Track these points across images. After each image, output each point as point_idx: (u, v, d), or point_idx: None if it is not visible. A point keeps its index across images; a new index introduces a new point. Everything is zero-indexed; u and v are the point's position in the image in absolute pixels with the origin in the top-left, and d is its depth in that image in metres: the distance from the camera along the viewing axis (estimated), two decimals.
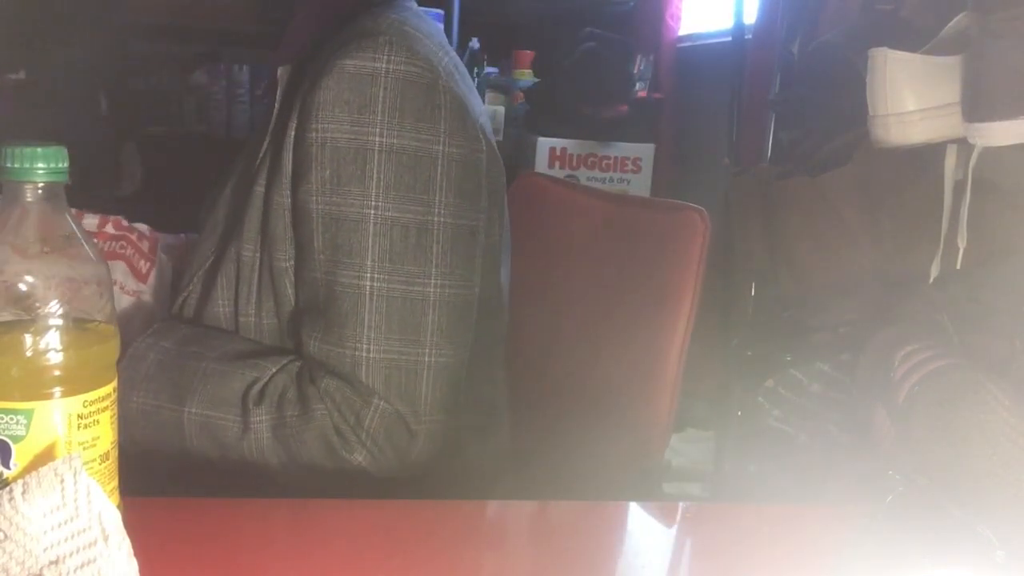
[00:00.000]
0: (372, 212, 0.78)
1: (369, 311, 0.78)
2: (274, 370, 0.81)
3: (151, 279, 0.97)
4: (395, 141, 0.78)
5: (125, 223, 0.98)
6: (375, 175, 0.78)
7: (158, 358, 0.82)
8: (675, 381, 0.97)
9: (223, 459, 0.79)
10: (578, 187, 1.29)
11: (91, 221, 0.97)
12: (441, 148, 0.80)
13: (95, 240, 0.95)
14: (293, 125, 0.81)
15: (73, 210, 0.94)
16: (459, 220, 0.81)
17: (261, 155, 0.86)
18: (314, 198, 0.79)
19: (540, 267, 1.21)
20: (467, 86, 0.88)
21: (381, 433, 0.77)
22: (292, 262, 0.83)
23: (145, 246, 0.98)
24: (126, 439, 0.78)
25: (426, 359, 0.79)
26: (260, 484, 0.79)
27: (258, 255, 0.85)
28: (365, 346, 0.78)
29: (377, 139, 0.78)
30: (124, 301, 0.94)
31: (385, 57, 0.78)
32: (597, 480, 0.99)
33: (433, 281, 0.79)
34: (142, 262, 0.97)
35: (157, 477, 0.79)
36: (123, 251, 0.96)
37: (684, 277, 0.97)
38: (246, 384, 0.80)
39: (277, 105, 0.87)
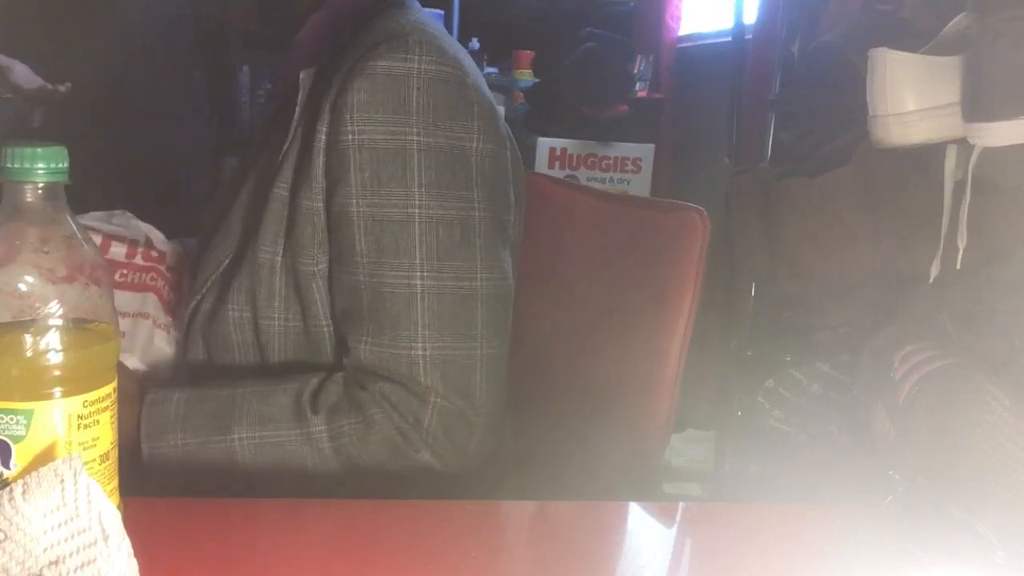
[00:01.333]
0: (416, 211, 0.78)
1: (421, 310, 0.78)
2: (315, 381, 0.80)
3: (179, 311, 0.95)
4: (432, 140, 0.79)
5: (155, 253, 0.97)
6: (416, 174, 0.78)
7: (183, 397, 0.81)
8: (675, 381, 0.97)
9: (280, 477, 0.79)
10: (579, 187, 1.29)
11: (119, 250, 0.95)
12: (475, 145, 0.81)
13: (123, 271, 0.94)
14: (322, 129, 0.81)
15: (98, 239, 0.93)
16: (495, 215, 0.83)
17: (281, 158, 0.85)
18: (354, 201, 0.79)
19: (540, 266, 1.21)
20: (486, 85, 0.89)
21: (441, 430, 0.78)
22: (321, 267, 0.83)
23: (174, 275, 0.97)
24: (167, 486, 0.78)
25: (479, 352, 0.80)
26: (319, 493, 0.79)
27: (279, 258, 0.84)
28: (420, 344, 0.78)
29: (415, 138, 0.78)
30: (158, 337, 0.93)
31: (416, 57, 0.79)
32: (597, 480, 0.99)
33: (479, 275, 0.81)
34: (172, 294, 0.96)
35: (150, 482, 0.78)
36: (153, 283, 0.95)
37: (684, 277, 0.97)
38: (292, 396, 0.79)
39: (299, 109, 0.87)
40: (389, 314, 0.79)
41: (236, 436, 0.78)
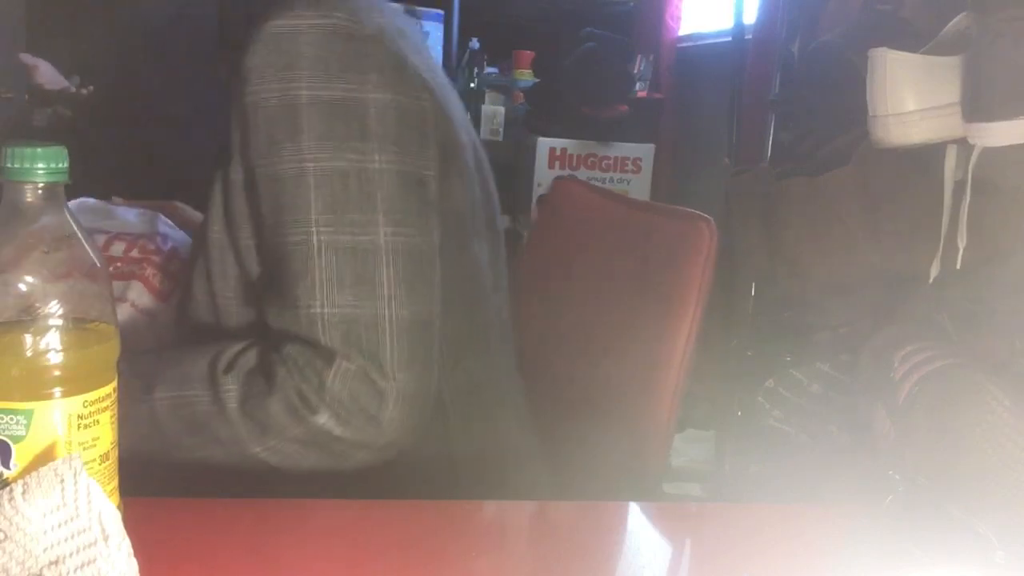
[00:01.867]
0: (309, 165, 0.77)
1: (319, 266, 0.76)
2: (239, 347, 0.79)
3: (173, 299, 0.96)
4: (322, 93, 0.77)
5: (152, 246, 0.98)
6: (306, 128, 0.77)
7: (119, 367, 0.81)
8: (676, 388, 0.96)
9: (200, 445, 0.77)
10: (603, 192, 1.28)
11: (118, 247, 0.97)
12: (371, 95, 0.79)
13: (117, 264, 0.95)
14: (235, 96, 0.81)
15: (102, 238, 0.94)
16: (402, 167, 0.79)
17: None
18: (255, 163, 0.79)
19: (564, 268, 1.22)
20: (416, 52, 0.86)
21: (346, 394, 0.75)
22: (254, 240, 0.82)
23: (175, 266, 0.98)
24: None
25: (386, 311, 0.77)
26: (246, 469, 0.77)
27: (226, 236, 0.84)
28: (319, 302, 0.76)
29: (304, 93, 0.77)
30: (134, 317, 0.93)
31: (307, 13, 0.78)
32: (596, 482, 0.99)
33: (382, 229, 0.77)
34: (165, 282, 0.97)
35: (150, 482, 0.78)
36: (142, 272, 0.96)
37: (688, 285, 0.96)
38: (210, 357, 0.78)
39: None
40: (290, 273, 0.77)
41: (156, 396, 0.77)
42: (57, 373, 0.52)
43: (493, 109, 3.05)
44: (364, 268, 0.77)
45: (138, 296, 0.94)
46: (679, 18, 3.14)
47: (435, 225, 0.82)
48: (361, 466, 0.77)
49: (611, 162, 2.83)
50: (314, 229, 0.76)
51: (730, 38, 2.27)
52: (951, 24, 1.12)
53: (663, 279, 0.99)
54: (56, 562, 0.46)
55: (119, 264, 0.95)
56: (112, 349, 0.56)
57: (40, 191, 0.53)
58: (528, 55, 3.10)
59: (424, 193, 0.82)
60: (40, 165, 0.52)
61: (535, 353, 1.26)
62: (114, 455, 0.57)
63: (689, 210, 1.02)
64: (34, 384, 0.52)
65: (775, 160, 2.00)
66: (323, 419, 0.75)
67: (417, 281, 0.79)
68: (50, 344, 0.52)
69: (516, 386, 1.01)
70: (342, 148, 0.77)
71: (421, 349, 0.79)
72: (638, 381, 0.99)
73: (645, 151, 2.84)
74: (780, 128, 2.05)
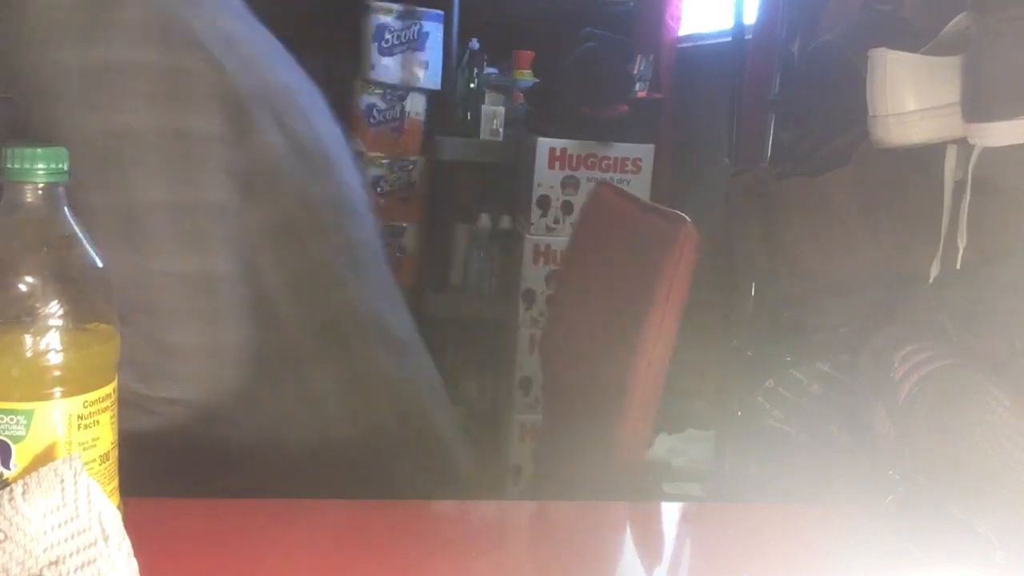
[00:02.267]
0: (69, 130, 0.76)
1: (105, 227, 0.75)
2: None
3: None
4: (77, 57, 0.77)
5: None
6: (64, 94, 0.77)
7: None
8: (647, 391, 0.94)
9: None
10: (622, 194, 1.28)
11: None
12: (126, 56, 0.78)
13: None
14: None
15: None
16: (165, 123, 0.78)
17: None
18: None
19: (571, 269, 1.23)
20: (197, 6, 0.85)
21: (138, 353, 0.73)
22: None
23: None
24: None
25: (157, 267, 0.75)
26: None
27: None
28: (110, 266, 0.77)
29: (61, 58, 0.77)
30: None
31: None
32: (569, 481, 0.99)
33: (138, 183, 0.76)
34: None
35: (150, 482, 0.78)
36: None
37: (659, 287, 0.95)
38: None
39: None
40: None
41: None
42: (57, 373, 0.52)
43: (493, 109, 3.04)
44: (129, 227, 0.75)
45: None
46: (679, 18, 3.14)
47: (217, 179, 0.80)
48: (174, 421, 0.75)
49: (611, 162, 2.82)
50: (81, 194, 0.75)
51: (730, 38, 2.27)
52: (951, 24, 1.12)
53: (642, 280, 0.99)
54: (56, 562, 0.46)
55: None
56: (112, 349, 0.56)
57: (40, 191, 0.53)
58: (528, 55, 3.10)
59: (194, 148, 0.79)
60: (40, 165, 0.52)
61: (550, 350, 1.27)
62: (114, 455, 0.57)
63: (672, 210, 1.02)
64: (34, 384, 0.52)
65: (775, 160, 2.00)
66: (122, 378, 0.75)
67: (191, 235, 0.77)
68: (50, 344, 0.52)
69: (384, 314, 0.98)
70: (98, 109, 0.76)
71: (204, 301, 0.76)
72: (619, 381, 0.98)
73: (645, 151, 2.83)
74: (780, 128, 2.04)
